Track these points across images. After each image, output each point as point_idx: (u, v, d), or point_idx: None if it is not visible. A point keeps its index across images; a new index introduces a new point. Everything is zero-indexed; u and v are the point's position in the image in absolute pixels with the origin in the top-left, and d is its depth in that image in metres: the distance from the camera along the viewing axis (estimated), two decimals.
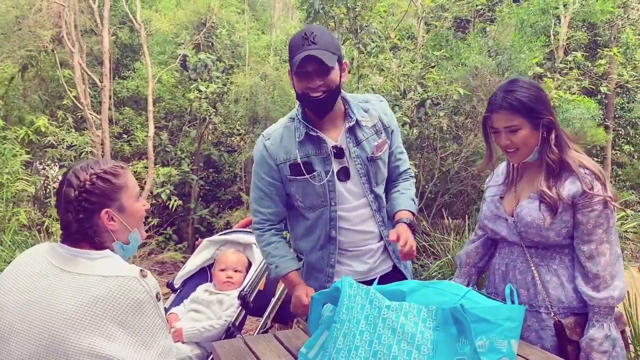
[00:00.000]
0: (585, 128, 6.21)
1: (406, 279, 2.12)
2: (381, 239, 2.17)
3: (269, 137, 2.14)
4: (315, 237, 2.15)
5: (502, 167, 2.08)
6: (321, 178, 2.07)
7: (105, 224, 1.43)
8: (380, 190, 2.17)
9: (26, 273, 1.39)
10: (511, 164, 1.99)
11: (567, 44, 7.44)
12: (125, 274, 1.33)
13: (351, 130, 2.09)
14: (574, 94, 6.58)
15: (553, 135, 1.82)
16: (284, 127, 2.14)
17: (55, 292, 1.32)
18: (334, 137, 2.10)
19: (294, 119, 2.13)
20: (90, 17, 6.75)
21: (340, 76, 2.02)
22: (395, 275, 2.20)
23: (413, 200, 2.19)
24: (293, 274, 2.11)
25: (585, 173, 1.77)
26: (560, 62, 7.18)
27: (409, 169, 2.32)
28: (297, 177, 2.08)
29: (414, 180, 2.29)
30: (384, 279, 2.13)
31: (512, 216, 1.89)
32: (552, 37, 7.17)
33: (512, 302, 1.36)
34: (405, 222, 2.02)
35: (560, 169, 1.81)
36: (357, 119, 2.10)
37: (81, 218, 1.41)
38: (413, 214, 2.11)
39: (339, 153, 2.08)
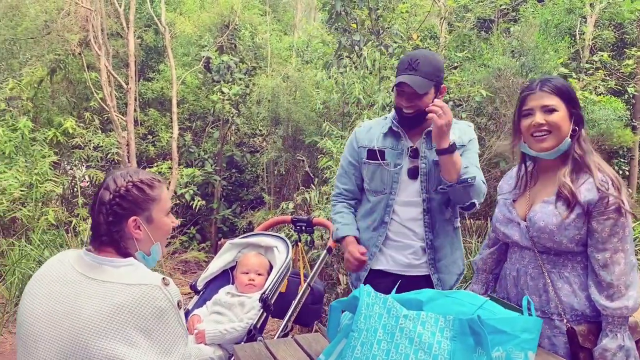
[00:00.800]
0: (612, 129, 6.12)
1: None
2: (423, 242, 2.38)
3: (362, 125, 2.57)
4: (372, 219, 2.46)
5: (513, 171, 2.06)
6: (389, 167, 2.39)
7: (131, 231, 1.48)
8: (436, 196, 2.35)
9: (53, 280, 1.44)
10: (522, 168, 1.97)
11: (593, 43, 7.33)
12: (148, 282, 1.37)
13: (429, 134, 2.31)
14: (600, 94, 6.49)
15: (583, 132, 1.82)
16: (376, 122, 2.53)
17: (80, 299, 1.36)
18: (415, 139, 2.39)
19: (387, 117, 2.49)
20: (117, 21, 6.87)
21: (435, 97, 2.28)
22: (424, 284, 2.32)
23: (466, 170, 2.22)
24: (350, 238, 2.45)
25: (602, 179, 1.75)
26: (586, 62, 7.08)
27: (477, 168, 2.35)
28: (370, 161, 2.43)
29: (474, 182, 2.23)
30: (413, 283, 2.22)
31: (525, 220, 1.88)
32: (577, 36, 7.07)
33: (530, 314, 1.37)
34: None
35: (581, 168, 1.80)
36: None
37: (110, 221, 1.47)
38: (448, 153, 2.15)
39: (414, 154, 2.37)
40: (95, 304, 1.34)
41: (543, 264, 1.85)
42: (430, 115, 2.10)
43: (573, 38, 6.92)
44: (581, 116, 1.82)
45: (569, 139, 1.81)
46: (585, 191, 1.75)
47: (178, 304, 1.41)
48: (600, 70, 6.76)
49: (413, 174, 2.37)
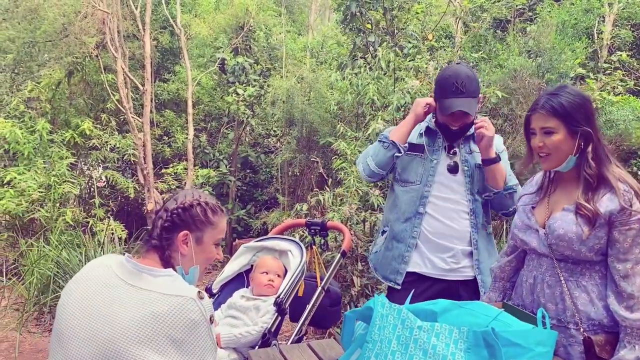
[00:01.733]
0: (631, 129, 6.03)
1: (478, 293, 2.32)
2: (470, 244, 2.40)
3: None
4: (400, 210, 2.50)
5: (537, 177, 2.05)
6: (425, 160, 2.46)
7: (179, 244, 1.54)
8: (480, 199, 2.44)
9: (94, 282, 1.48)
10: (547, 174, 1.96)
11: (611, 43, 7.23)
12: (185, 293, 1.40)
13: (467, 139, 2.46)
14: (619, 94, 6.40)
15: (590, 148, 1.79)
16: (420, 124, 2.54)
17: (117, 304, 1.40)
18: (450, 140, 2.47)
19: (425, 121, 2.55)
20: (133, 23, 6.94)
21: (477, 108, 2.38)
22: (466, 287, 2.42)
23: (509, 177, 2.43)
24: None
25: (625, 190, 1.72)
26: (604, 62, 6.99)
27: (514, 177, 2.52)
28: (408, 153, 2.48)
29: (517, 189, 2.43)
30: (455, 288, 2.39)
31: (544, 227, 1.86)
32: (595, 36, 6.98)
33: (544, 327, 1.36)
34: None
35: (598, 183, 1.77)
36: (474, 133, 2.40)
37: (166, 227, 1.55)
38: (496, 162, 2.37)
39: (453, 151, 2.45)
40: (131, 311, 1.38)
41: (560, 271, 1.83)
42: (479, 131, 2.32)
43: (591, 38, 6.83)
44: (589, 132, 1.77)
45: (574, 157, 1.79)
46: (607, 201, 1.73)
47: (210, 318, 1.44)
48: (618, 70, 6.66)
49: (453, 169, 2.45)
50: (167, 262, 1.52)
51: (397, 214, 2.52)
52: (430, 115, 2.52)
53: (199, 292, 1.42)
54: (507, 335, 1.19)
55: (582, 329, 1.76)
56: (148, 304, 1.37)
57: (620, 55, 6.80)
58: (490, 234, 2.55)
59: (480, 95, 2.40)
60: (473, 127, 2.42)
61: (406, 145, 2.49)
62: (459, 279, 2.43)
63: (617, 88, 6.50)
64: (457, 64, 2.40)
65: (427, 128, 2.51)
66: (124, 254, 1.56)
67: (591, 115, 1.80)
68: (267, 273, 2.78)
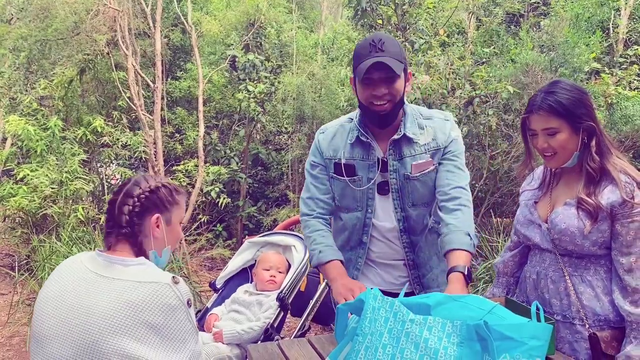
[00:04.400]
0: None
1: None
2: (405, 262, 2.12)
3: (323, 132, 2.18)
4: (345, 237, 2.16)
5: (538, 171, 2.00)
6: (361, 183, 2.06)
7: (152, 227, 1.53)
8: (416, 212, 2.07)
9: (66, 279, 1.48)
10: (548, 168, 1.91)
11: (627, 37, 7.10)
12: (159, 279, 1.40)
13: (396, 144, 2.03)
14: (635, 89, 6.28)
15: (594, 142, 1.74)
16: (340, 126, 2.14)
17: (92, 296, 1.39)
18: (383, 149, 2.05)
19: (352, 119, 2.12)
20: (144, 21, 6.97)
21: (405, 86, 1.97)
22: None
23: (470, 235, 1.89)
24: (337, 262, 2.00)
25: (627, 181, 1.68)
26: (620, 56, 6.87)
27: (463, 188, 2.01)
28: (339, 177, 2.09)
29: (470, 208, 1.99)
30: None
31: (546, 222, 1.82)
32: (611, 30, 6.86)
33: (539, 320, 1.32)
34: (459, 272, 1.75)
35: (600, 176, 1.73)
36: (405, 133, 2.01)
37: (136, 212, 1.52)
38: (470, 253, 1.85)
39: (384, 166, 2.04)
40: (106, 301, 1.37)
41: (564, 267, 1.79)
42: None
43: (606, 32, 6.72)
44: (592, 126, 1.73)
45: (578, 152, 1.75)
46: (609, 193, 1.69)
47: (188, 302, 1.43)
48: (634, 65, 6.53)
49: (382, 189, 2.07)
50: (139, 249, 1.52)
51: (342, 242, 2.17)
52: (357, 122, 2.07)
53: (173, 277, 1.42)
54: (500, 329, 1.16)
55: (587, 325, 1.72)
56: (122, 293, 1.37)
57: (637, 49, 6.68)
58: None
59: (409, 72, 1.99)
60: (405, 126, 2.02)
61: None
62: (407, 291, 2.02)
63: (633, 82, 6.38)
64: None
65: (357, 139, 2.05)
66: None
67: (591, 107, 1.75)
68: (269, 269, 2.77)
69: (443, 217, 1.97)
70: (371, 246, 2.13)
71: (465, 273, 1.75)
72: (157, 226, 1.55)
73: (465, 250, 1.83)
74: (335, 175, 2.11)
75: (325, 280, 2.81)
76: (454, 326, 1.23)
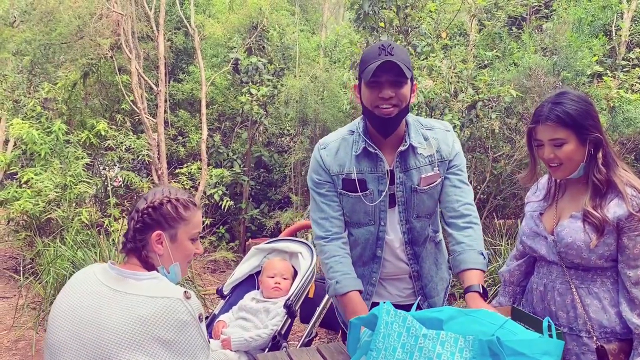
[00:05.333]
0: None
1: None
2: (410, 274, 2.14)
3: (324, 147, 2.08)
4: (357, 253, 2.12)
5: (543, 181, 1.99)
6: (373, 197, 2.02)
7: (153, 244, 1.52)
8: (420, 223, 2.08)
9: (79, 292, 1.48)
10: (553, 178, 1.91)
11: (630, 39, 7.10)
12: (171, 295, 1.40)
13: (402, 155, 2.00)
14: (637, 92, 6.28)
15: (601, 154, 1.74)
16: (342, 139, 2.07)
17: (104, 310, 1.40)
18: (389, 160, 2.02)
19: (353, 132, 2.06)
20: (147, 24, 6.99)
21: (410, 96, 1.95)
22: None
23: (483, 254, 1.96)
24: (355, 294, 1.94)
25: (633, 194, 1.68)
26: (622, 59, 6.87)
27: (472, 205, 2.07)
28: (350, 193, 2.03)
29: (479, 225, 2.05)
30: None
31: (552, 234, 1.82)
32: (613, 32, 6.87)
33: (550, 336, 1.34)
34: (475, 292, 1.83)
35: (606, 188, 1.73)
36: (411, 144, 2.00)
37: (137, 228, 1.52)
38: (483, 271, 1.92)
39: (391, 178, 2.01)
40: (118, 316, 1.38)
41: (571, 279, 1.79)
42: None
43: (609, 35, 6.72)
44: (599, 138, 1.72)
45: (584, 164, 1.75)
46: (615, 206, 1.69)
47: (199, 317, 1.43)
48: (637, 68, 6.54)
49: (390, 202, 2.04)
50: (147, 264, 1.52)
51: (353, 258, 2.10)
52: (361, 133, 2.02)
53: (185, 291, 1.41)
54: (512, 345, 1.17)
55: (594, 338, 1.73)
56: (134, 308, 1.37)
57: (639, 52, 6.68)
58: (439, 242, 2.23)
59: (414, 83, 1.97)
60: (410, 137, 1.99)
61: None
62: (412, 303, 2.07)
63: (635, 86, 6.39)
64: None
65: (364, 150, 2.00)
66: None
67: (597, 119, 1.75)
68: (273, 277, 2.78)
69: (454, 234, 2.01)
70: (385, 261, 2.11)
71: (481, 291, 1.82)
72: (160, 243, 1.53)
73: (479, 269, 1.90)
74: (344, 191, 2.04)
75: None
76: (466, 341, 1.25)
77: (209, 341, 1.54)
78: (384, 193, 2.01)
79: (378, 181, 2.01)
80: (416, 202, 2.04)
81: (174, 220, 1.54)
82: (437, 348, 1.25)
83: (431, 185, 2.04)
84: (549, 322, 1.37)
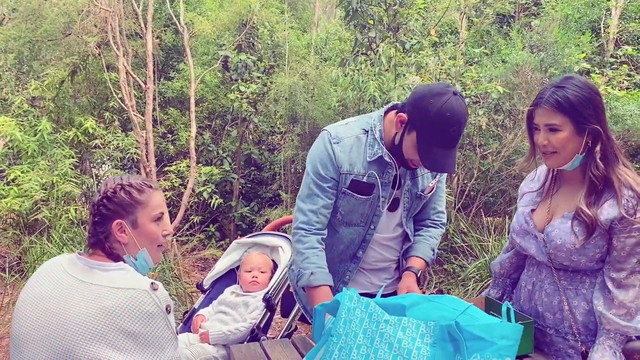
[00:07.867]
0: (638, 125, 5.95)
1: None
2: (397, 265, 2.25)
3: (338, 142, 2.00)
4: (339, 250, 2.12)
5: (539, 171, 1.90)
6: (376, 202, 2.03)
7: (115, 234, 1.49)
8: (411, 223, 2.22)
9: (46, 282, 1.46)
10: (550, 171, 1.84)
11: (618, 36, 7.13)
12: (137, 286, 1.38)
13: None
14: (626, 89, 6.31)
15: (599, 147, 1.64)
16: (356, 138, 2.00)
17: (69, 302, 1.38)
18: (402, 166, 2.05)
19: (367, 131, 2.00)
20: (135, 21, 6.96)
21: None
22: None
23: (433, 250, 2.19)
24: (327, 288, 1.96)
25: (630, 196, 1.61)
26: (611, 56, 6.90)
27: (444, 212, 2.28)
28: (355, 195, 2.00)
29: (443, 230, 2.27)
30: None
31: (542, 232, 1.76)
32: (602, 29, 6.89)
33: (509, 320, 1.33)
34: (413, 272, 2.09)
35: (603, 186, 1.64)
36: None
37: (96, 221, 1.50)
38: (427, 264, 2.15)
39: (399, 183, 2.05)
40: (83, 307, 1.36)
41: (559, 280, 1.74)
42: None
43: (597, 32, 6.74)
44: (598, 130, 1.62)
45: (581, 155, 1.66)
46: (609, 207, 1.62)
47: (167, 308, 1.41)
48: (625, 64, 6.57)
49: (392, 206, 2.07)
50: (112, 255, 1.49)
51: (331, 255, 2.09)
52: (378, 140, 1.98)
53: (152, 283, 1.39)
54: (471, 329, 1.17)
55: (580, 342, 1.69)
56: (99, 299, 1.35)
57: (627, 49, 6.71)
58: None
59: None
60: None
61: None
62: (391, 292, 2.21)
63: (624, 82, 6.41)
64: (455, 93, 1.79)
65: (380, 158, 1.98)
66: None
67: (600, 110, 1.64)
68: (250, 271, 2.78)
69: (418, 230, 2.24)
70: (365, 257, 2.14)
71: (418, 275, 2.09)
72: (122, 232, 1.50)
73: (425, 261, 2.14)
74: (349, 190, 2.00)
75: None
76: (427, 327, 1.24)
77: (177, 333, 1.52)
78: (387, 198, 2.04)
79: (384, 186, 2.01)
80: (416, 206, 2.17)
81: (130, 206, 1.50)
82: (398, 334, 1.24)
83: (431, 192, 2.19)
84: (507, 307, 1.37)
